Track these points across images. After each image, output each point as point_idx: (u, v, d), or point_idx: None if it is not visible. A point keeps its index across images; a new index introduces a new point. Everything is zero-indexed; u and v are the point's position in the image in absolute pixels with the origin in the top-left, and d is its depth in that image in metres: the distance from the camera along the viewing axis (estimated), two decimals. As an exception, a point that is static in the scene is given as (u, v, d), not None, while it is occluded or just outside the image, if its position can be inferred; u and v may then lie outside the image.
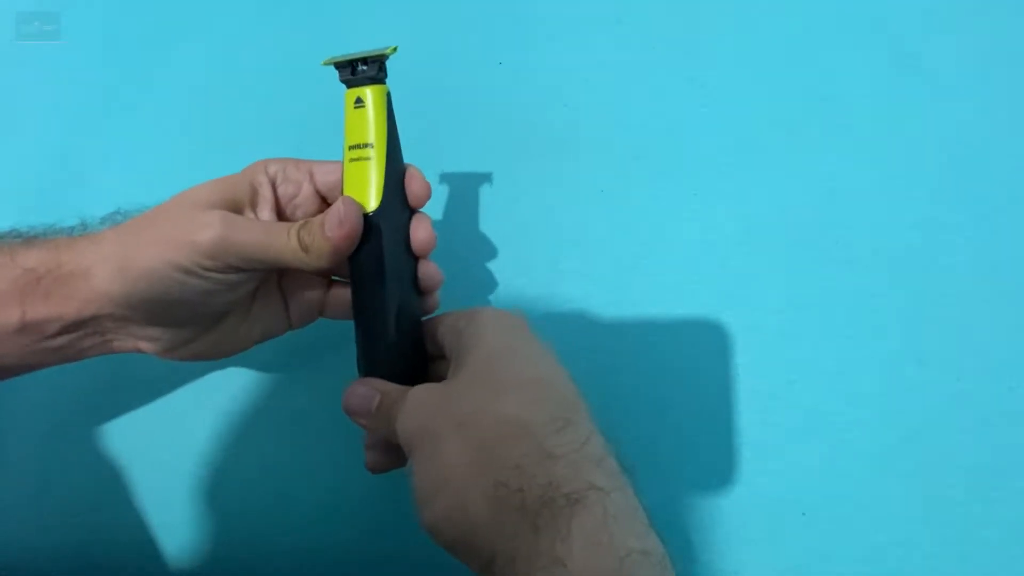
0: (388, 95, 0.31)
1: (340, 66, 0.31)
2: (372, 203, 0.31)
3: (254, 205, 0.32)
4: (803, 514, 0.36)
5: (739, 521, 0.36)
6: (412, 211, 0.33)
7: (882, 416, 0.38)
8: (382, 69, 0.31)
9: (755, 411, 0.38)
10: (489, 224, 0.42)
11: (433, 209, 0.41)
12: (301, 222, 0.31)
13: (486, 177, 0.42)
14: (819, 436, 0.37)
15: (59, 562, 0.38)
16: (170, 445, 0.39)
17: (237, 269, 0.30)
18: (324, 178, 0.33)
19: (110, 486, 0.38)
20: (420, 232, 0.32)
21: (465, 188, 0.42)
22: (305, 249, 0.30)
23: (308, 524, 0.38)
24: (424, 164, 0.32)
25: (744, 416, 0.38)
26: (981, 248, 0.40)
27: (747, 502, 0.37)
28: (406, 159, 0.32)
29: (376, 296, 0.31)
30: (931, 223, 0.40)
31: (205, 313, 0.32)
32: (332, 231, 0.30)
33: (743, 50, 0.44)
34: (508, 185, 0.42)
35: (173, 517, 0.38)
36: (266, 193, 0.33)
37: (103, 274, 0.29)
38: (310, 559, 0.37)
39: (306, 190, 0.33)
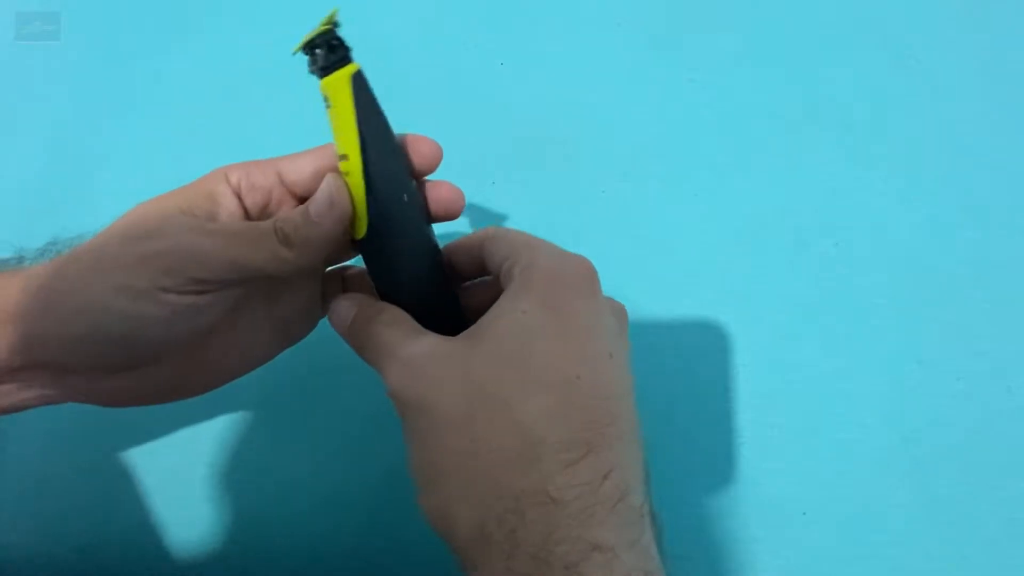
0: (355, 78, 0.24)
1: (304, 51, 0.24)
2: (358, 229, 0.26)
3: (215, 220, 0.26)
4: (803, 514, 0.36)
5: (739, 521, 0.36)
6: (423, 194, 0.28)
7: (882, 416, 0.38)
8: (333, 50, 0.24)
9: (755, 411, 0.38)
10: (488, 224, 0.42)
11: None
12: (277, 217, 0.25)
13: (486, 178, 0.42)
14: (819, 436, 0.37)
15: (59, 563, 0.38)
16: (169, 444, 0.39)
17: (202, 285, 0.24)
18: (295, 176, 0.27)
19: (110, 486, 0.38)
20: (443, 198, 0.28)
21: (465, 189, 0.42)
22: (287, 243, 0.24)
23: (310, 523, 0.38)
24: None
25: (744, 416, 0.38)
26: (981, 248, 0.40)
27: (747, 502, 0.37)
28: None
29: (398, 301, 0.27)
30: (931, 223, 0.40)
31: (165, 350, 0.26)
32: (320, 213, 0.24)
33: (743, 50, 0.44)
34: (508, 185, 0.42)
35: (172, 516, 0.38)
36: (229, 205, 0.26)
37: (32, 315, 0.23)
38: (312, 558, 0.37)
39: (278, 195, 0.27)
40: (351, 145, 0.25)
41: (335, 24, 0.24)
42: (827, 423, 0.37)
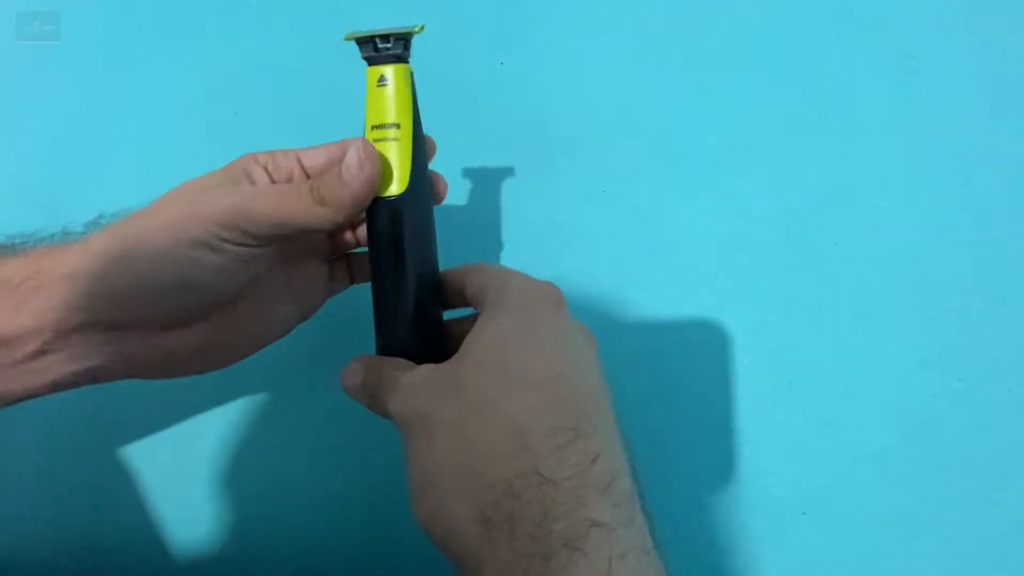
0: (411, 75, 0.31)
1: (362, 42, 0.30)
2: (396, 186, 0.30)
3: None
4: (803, 514, 0.36)
5: (739, 521, 0.36)
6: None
7: (882, 416, 0.38)
8: (407, 47, 0.30)
9: (755, 411, 0.38)
10: (489, 224, 0.42)
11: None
12: (312, 179, 0.29)
13: (486, 177, 0.42)
14: (819, 436, 0.37)
15: (59, 562, 0.38)
16: (169, 443, 0.39)
17: (252, 239, 0.28)
18: (311, 163, 0.32)
19: (110, 485, 0.38)
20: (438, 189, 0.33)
21: (465, 188, 0.42)
22: (321, 202, 0.28)
23: (310, 523, 0.38)
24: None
25: (744, 416, 0.38)
26: (981, 248, 0.40)
27: (747, 502, 0.37)
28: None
29: (396, 283, 0.30)
30: (931, 223, 0.40)
31: (214, 304, 0.29)
32: (351, 175, 0.28)
33: (743, 50, 0.44)
34: (508, 185, 0.42)
35: (172, 516, 0.38)
36: (263, 178, 0.31)
37: (96, 270, 0.26)
38: (312, 558, 0.37)
39: (298, 176, 0.32)
40: (405, 116, 0.30)
41: (416, 31, 0.30)
42: (827, 423, 0.37)
